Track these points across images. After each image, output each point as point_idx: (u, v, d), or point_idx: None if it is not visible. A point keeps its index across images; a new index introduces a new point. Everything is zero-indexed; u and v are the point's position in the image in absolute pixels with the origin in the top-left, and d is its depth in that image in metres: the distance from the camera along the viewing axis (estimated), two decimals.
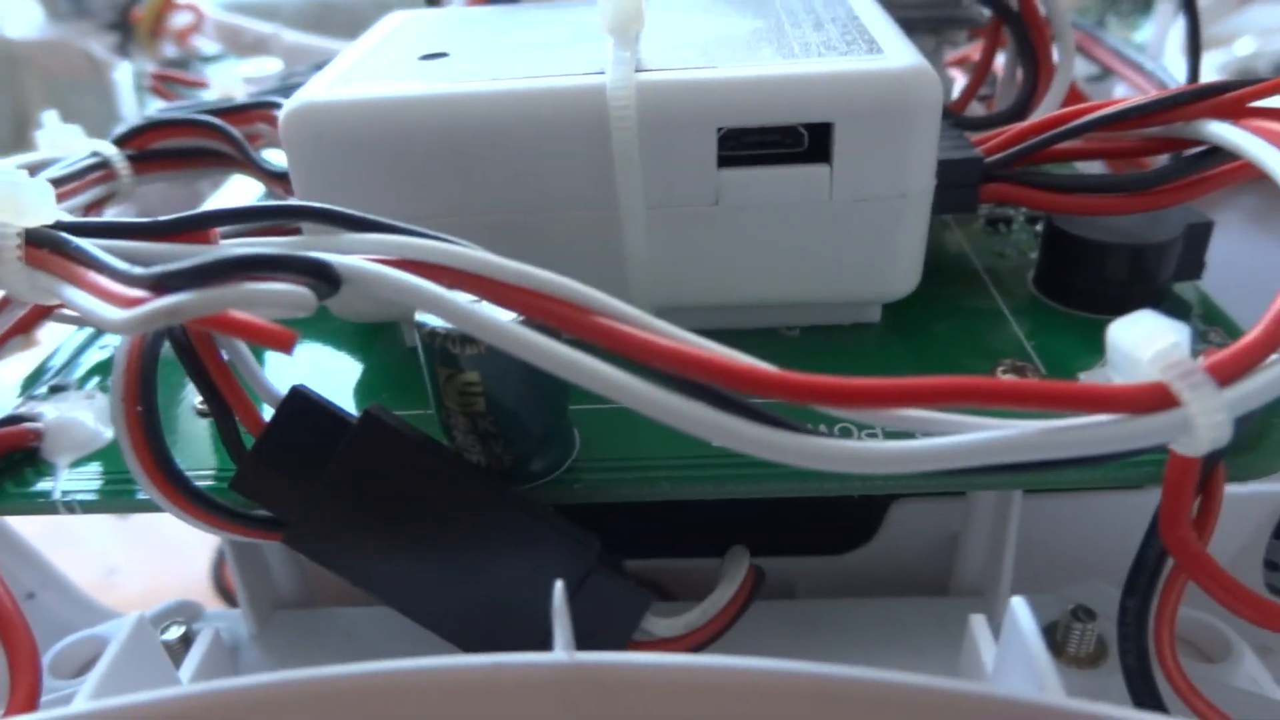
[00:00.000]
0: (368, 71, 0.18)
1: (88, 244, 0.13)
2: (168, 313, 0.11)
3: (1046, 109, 0.24)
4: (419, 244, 0.13)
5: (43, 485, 0.17)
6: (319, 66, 0.19)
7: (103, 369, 0.21)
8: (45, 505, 0.17)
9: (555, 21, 0.21)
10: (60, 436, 0.18)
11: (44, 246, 0.13)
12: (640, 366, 0.12)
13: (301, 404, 0.15)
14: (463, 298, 0.12)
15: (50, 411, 0.18)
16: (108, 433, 0.18)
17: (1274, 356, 0.12)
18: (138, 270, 0.12)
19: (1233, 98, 0.17)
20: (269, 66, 0.44)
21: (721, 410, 0.11)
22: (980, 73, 0.27)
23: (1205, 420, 0.11)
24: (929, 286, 0.19)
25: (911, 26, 0.23)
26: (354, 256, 0.12)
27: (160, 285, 0.11)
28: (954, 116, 0.25)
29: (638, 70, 0.16)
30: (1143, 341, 0.11)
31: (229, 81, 0.43)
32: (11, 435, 0.18)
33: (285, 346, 0.11)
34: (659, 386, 0.12)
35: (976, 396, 0.11)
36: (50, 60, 0.56)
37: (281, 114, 0.17)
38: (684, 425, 0.11)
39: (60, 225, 0.14)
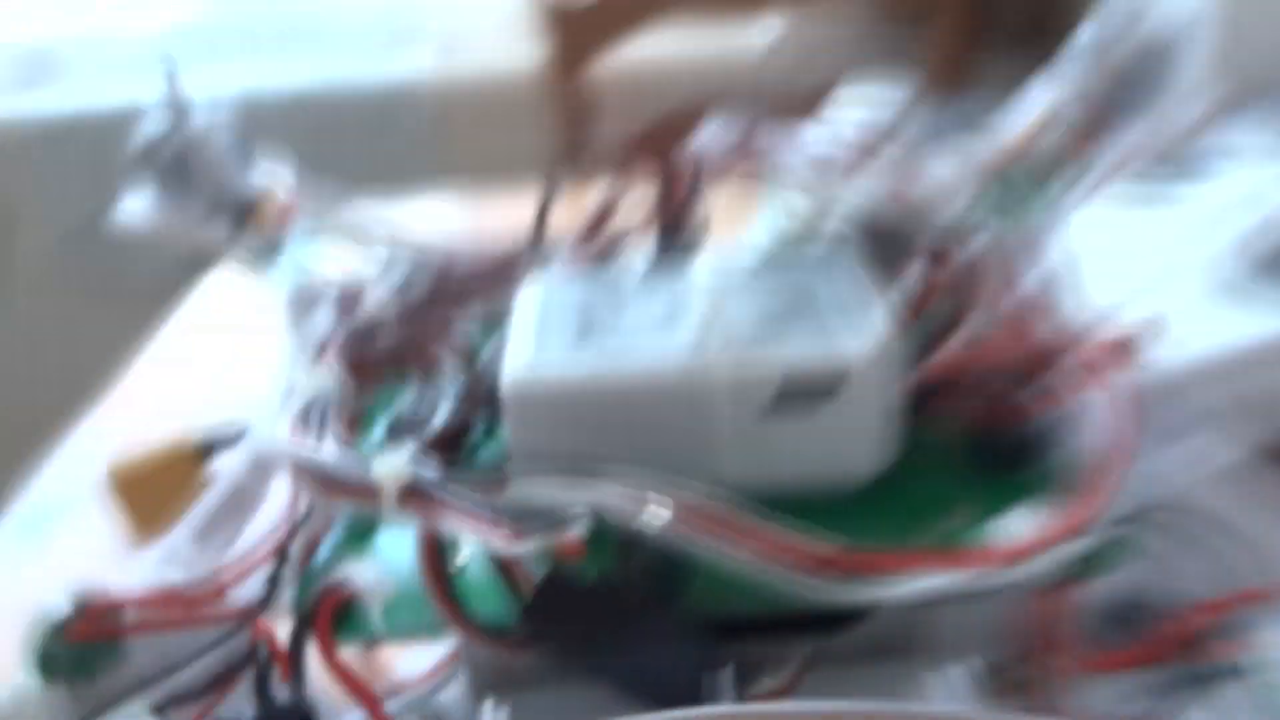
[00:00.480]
0: (553, 344, 0.29)
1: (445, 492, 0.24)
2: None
3: (975, 324, 0.35)
4: None
5: None
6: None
7: None
8: None
9: (654, 293, 0.32)
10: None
11: (414, 494, 0.24)
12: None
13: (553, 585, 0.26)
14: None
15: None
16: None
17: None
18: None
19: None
20: (373, 253, 0.55)
21: None
22: (918, 308, 0.37)
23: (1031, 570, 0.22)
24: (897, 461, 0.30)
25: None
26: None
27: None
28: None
29: (724, 350, 0.28)
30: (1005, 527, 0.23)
31: (325, 260, 0.53)
32: None
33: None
34: None
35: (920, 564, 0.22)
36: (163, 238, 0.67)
37: (506, 385, 0.28)
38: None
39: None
